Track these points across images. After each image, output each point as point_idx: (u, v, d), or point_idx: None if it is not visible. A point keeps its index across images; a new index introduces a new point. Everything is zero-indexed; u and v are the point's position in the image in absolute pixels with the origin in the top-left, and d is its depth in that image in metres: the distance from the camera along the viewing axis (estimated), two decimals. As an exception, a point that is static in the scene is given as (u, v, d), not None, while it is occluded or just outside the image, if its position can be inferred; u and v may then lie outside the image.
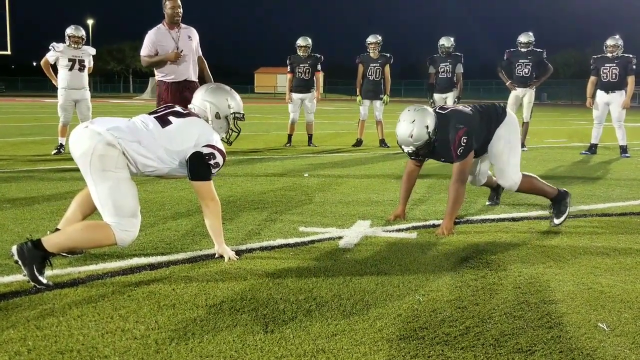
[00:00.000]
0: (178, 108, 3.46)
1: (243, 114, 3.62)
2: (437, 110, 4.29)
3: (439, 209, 5.03)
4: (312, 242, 3.91)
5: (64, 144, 8.78)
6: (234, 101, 3.56)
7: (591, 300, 2.89)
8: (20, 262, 2.89)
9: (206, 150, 3.27)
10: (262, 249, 3.71)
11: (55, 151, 8.67)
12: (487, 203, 5.22)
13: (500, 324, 2.59)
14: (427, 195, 5.63)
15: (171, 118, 3.32)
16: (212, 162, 3.30)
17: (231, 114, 3.54)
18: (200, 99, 3.53)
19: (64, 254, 3.35)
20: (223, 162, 3.38)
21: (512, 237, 4.14)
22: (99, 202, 3.05)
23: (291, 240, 3.91)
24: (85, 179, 3.08)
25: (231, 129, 3.60)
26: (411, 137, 4.10)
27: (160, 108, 3.49)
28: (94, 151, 2.98)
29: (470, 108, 4.37)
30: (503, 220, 4.66)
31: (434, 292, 2.98)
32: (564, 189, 4.53)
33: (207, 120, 3.48)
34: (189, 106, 3.58)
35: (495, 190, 5.19)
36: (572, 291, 3.03)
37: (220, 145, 3.37)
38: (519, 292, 3.00)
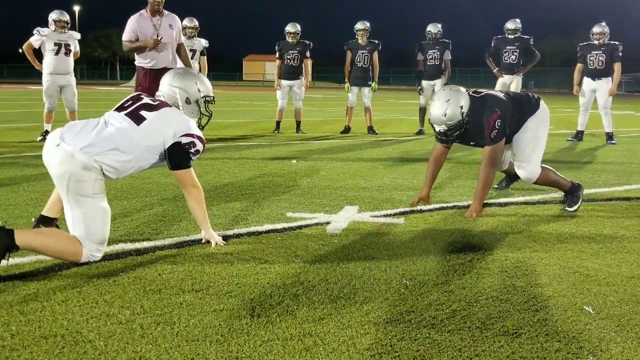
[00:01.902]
0: (146, 99, 3.32)
1: (213, 97, 3.54)
2: (470, 93, 4.28)
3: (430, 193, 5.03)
4: (300, 227, 3.90)
5: (49, 130, 8.68)
6: (203, 85, 3.48)
7: (577, 284, 2.91)
8: None
9: (186, 140, 3.20)
10: (249, 234, 3.69)
11: (40, 137, 8.57)
12: (495, 186, 5.22)
13: (486, 307, 2.59)
14: (416, 182, 5.63)
15: (143, 113, 3.19)
16: (192, 150, 3.24)
17: (201, 97, 3.46)
18: (168, 85, 3.43)
19: None
20: (203, 149, 3.33)
21: (499, 221, 4.15)
22: (71, 223, 2.97)
23: (279, 226, 3.90)
24: (61, 196, 3.01)
25: (202, 113, 3.52)
26: (445, 115, 4.11)
27: (127, 101, 3.31)
28: (70, 177, 2.89)
29: (503, 94, 4.40)
30: (490, 205, 4.67)
31: (421, 276, 2.98)
32: (577, 182, 4.56)
33: (177, 107, 3.39)
34: (157, 94, 3.47)
35: (511, 178, 5.17)
36: (558, 275, 3.04)
37: (198, 132, 3.30)
38: (506, 275, 3.01)
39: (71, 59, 8.72)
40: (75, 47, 8.80)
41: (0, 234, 2.77)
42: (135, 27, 6.54)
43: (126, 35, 6.59)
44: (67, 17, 8.73)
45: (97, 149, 2.95)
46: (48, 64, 8.56)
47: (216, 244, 3.43)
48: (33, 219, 3.56)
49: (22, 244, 2.82)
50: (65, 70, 8.65)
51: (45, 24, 8.69)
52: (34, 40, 8.54)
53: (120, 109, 3.26)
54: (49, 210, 3.45)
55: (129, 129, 3.10)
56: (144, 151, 3.12)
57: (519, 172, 4.48)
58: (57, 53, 8.53)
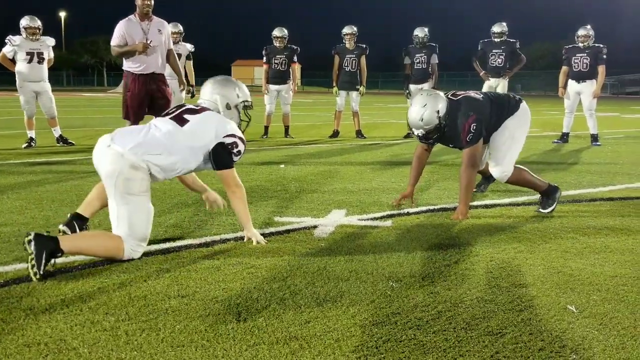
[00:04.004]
0: (190, 105, 3.56)
1: (251, 102, 3.75)
2: (449, 96, 4.32)
3: (415, 196, 5.04)
4: (287, 231, 3.91)
5: (33, 137, 8.65)
6: (242, 91, 3.71)
7: (561, 284, 2.94)
8: (33, 244, 2.86)
9: (229, 140, 3.41)
10: (236, 239, 3.69)
11: (25, 145, 8.53)
12: (474, 190, 5.25)
13: (471, 307, 2.61)
14: (403, 185, 5.65)
15: (187, 116, 3.43)
16: (235, 150, 3.44)
17: (240, 102, 3.68)
18: (209, 93, 3.65)
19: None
20: (244, 149, 3.52)
21: (484, 223, 4.18)
22: (115, 220, 3.15)
23: (266, 230, 3.90)
24: (107, 195, 3.18)
25: (241, 118, 3.72)
26: (422, 120, 4.15)
27: (172, 109, 3.59)
28: (119, 174, 3.09)
29: (482, 95, 4.44)
30: (476, 207, 4.70)
31: (407, 278, 2.99)
32: (555, 185, 4.60)
33: (218, 112, 3.60)
34: (199, 101, 3.68)
35: (487, 179, 5.25)
36: (542, 275, 3.07)
37: (239, 133, 3.50)
38: (491, 276, 3.03)
39: (45, 67, 8.60)
40: (49, 54, 8.69)
41: (46, 240, 2.91)
42: (124, 31, 6.43)
43: (115, 40, 6.48)
44: (38, 23, 8.57)
45: (145, 149, 3.18)
46: (20, 72, 8.46)
47: (257, 242, 3.57)
48: (68, 215, 3.64)
49: (67, 247, 2.98)
50: (39, 77, 8.54)
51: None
52: (7, 51, 8.45)
53: (165, 115, 3.54)
54: (84, 209, 3.62)
55: (174, 130, 3.33)
56: (189, 152, 3.33)
57: (492, 170, 4.51)
58: (29, 61, 8.44)
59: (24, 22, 8.51)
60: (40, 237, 2.90)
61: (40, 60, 8.52)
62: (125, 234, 3.13)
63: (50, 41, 8.75)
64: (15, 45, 8.38)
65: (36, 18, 8.63)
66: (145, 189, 3.18)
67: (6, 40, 8.44)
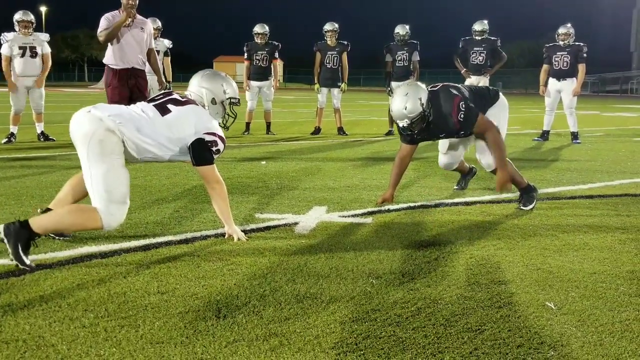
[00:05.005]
0: (176, 95, 3.52)
1: (238, 99, 3.71)
2: (429, 88, 4.35)
3: (396, 193, 5.07)
4: (268, 228, 3.90)
5: (15, 132, 8.55)
6: (230, 87, 3.67)
7: (540, 281, 2.97)
8: (5, 240, 2.91)
9: (208, 138, 3.39)
10: (217, 235, 3.67)
11: (5, 140, 8.41)
12: (455, 188, 5.32)
13: (451, 304, 2.63)
14: (384, 182, 5.66)
15: (170, 106, 3.39)
16: (214, 148, 3.41)
17: (227, 99, 3.65)
18: (197, 86, 3.62)
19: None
20: (224, 148, 3.49)
21: (464, 220, 4.21)
22: (90, 185, 3.09)
23: (247, 227, 3.89)
24: (81, 162, 3.13)
25: (227, 114, 3.69)
26: (405, 109, 4.15)
27: (159, 96, 3.54)
28: (93, 135, 3.04)
29: (460, 85, 4.52)
30: (457, 204, 4.73)
31: (386, 275, 3.01)
32: (533, 185, 4.65)
33: (203, 106, 3.56)
34: (185, 93, 3.64)
35: (465, 176, 5.30)
36: (521, 272, 3.10)
37: (220, 132, 3.47)
38: (470, 273, 3.06)
39: (38, 61, 8.57)
40: (43, 49, 8.65)
41: (17, 229, 2.91)
42: (110, 21, 6.50)
43: (102, 27, 6.51)
44: (31, 17, 8.58)
45: (122, 120, 3.14)
46: (14, 66, 8.45)
47: (238, 239, 3.55)
48: (38, 210, 3.60)
49: (40, 228, 2.97)
50: (33, 72, 8.54)
51: (11, 24, 8.54)
52: (6, 51, 8.44)
53: (150, 101, 3.50)
54: (56, 205, 3.54)
55: (154, 117, 3.31)
56: (165, 141, 3.29)
57: (481, 157, 4.54)
58: (22, 56, 8.45)
59: (17, 15, 8.52)
60: (9, 230, 2.90)
61: (33, 54, 8.52)
62: (104, 200, 3.05)
63: (44, 36, 8.77)
64: (9, 41, 8.38)
65: (29, 12, 8.66)
66: (118, 152, 3.12)
67: (0, 40, 8.43)
